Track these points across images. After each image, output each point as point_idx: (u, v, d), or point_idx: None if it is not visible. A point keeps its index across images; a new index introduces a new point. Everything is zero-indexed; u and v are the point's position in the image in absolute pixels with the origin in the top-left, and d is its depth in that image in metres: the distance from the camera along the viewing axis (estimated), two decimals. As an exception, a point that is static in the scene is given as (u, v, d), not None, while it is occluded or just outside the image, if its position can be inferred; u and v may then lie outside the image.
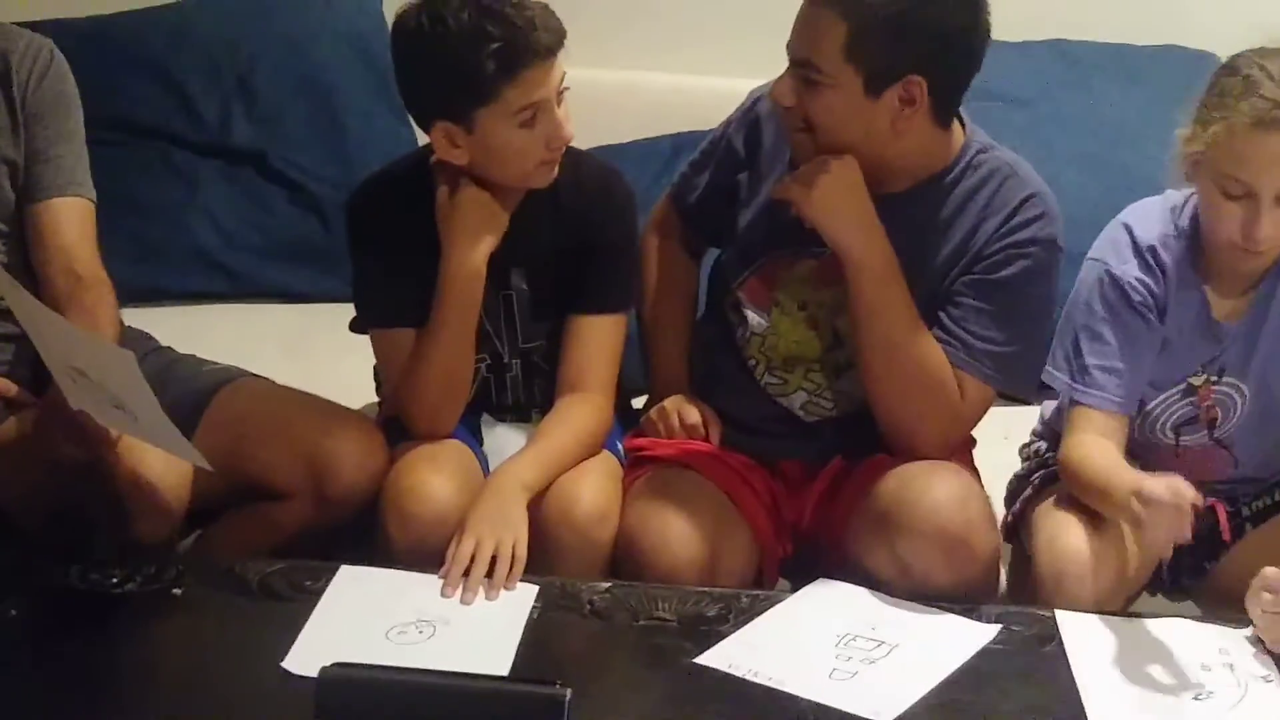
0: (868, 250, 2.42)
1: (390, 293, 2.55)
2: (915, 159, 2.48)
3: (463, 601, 2.28)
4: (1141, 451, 2.50)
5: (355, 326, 2.66)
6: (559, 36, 2.39)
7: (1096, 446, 2.41)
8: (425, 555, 2.35)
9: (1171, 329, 2.45)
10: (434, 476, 2.42)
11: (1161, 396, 2.50)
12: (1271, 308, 2.45)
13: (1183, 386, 2.49)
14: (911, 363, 2.45)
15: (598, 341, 2.57)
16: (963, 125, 2.52)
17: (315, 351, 2.70)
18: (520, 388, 2.63)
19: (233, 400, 2.55)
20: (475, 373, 2.58)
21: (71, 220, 2.56)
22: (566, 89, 2.44)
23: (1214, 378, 2.48)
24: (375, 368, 2.68)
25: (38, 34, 2.58)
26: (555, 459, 2.47)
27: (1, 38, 2.55)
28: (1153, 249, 2.44)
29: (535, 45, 2.36)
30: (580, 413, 2.54)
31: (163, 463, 2.34)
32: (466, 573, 2.30)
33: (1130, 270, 2.44)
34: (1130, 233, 2.46)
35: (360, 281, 2.61)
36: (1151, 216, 2.45)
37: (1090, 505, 2.38)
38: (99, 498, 2.28)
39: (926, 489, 2.38)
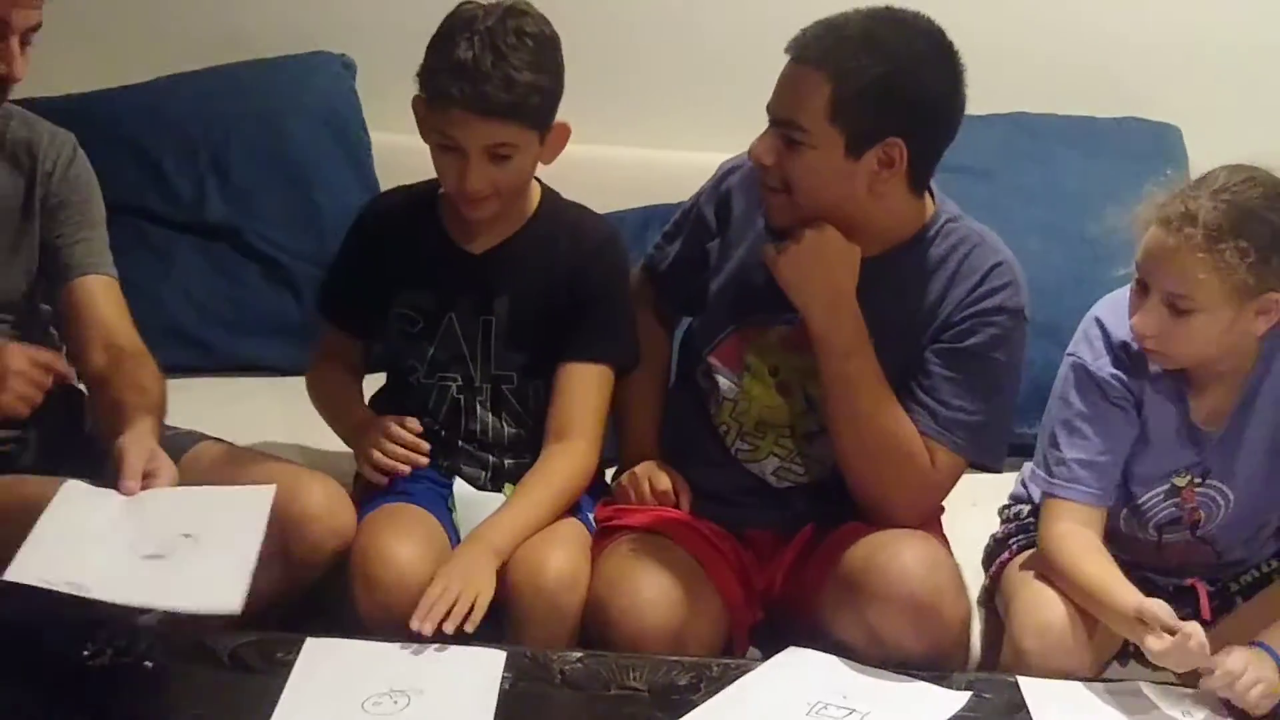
0: (835, 324, 2.44)
1: (346, 291, 2.69)
2: (887, 224, 2.50)
3: (424, 632, 2.29)
4: (1122, 541, 2.51)
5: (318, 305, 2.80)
6: (502, 106, 2.43)
7: (1081, 541, 2.42)
8: (391, 621, 2.36)
9: (1151, 427, 2.47)
10: (399, 542, 2.44)
11: (1146, 494, 2.51)
12: (1254, 413, 2.46)
13: (1166, 487, 2.50)
14: (880, 434, 2.47)
15: (584, 388, 2.61)
16: (932, 195, 2.55)
17: (289, 423, 2.71)
18: (489, 417, 2.65)
19: (196, 463, 2.54)
20: (445, 392, 2.64)
21: (107, 296, 2.60)
22: (507, 156, 2.48)
23: (1197, 480, 2.49)
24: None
25: (60, 128, 2.62)
26: (529, 523, 2.49)
27: (27, 128, 2.59)
28: (1125, 344, 2.45)
29: (465, 91, 2.42)
30: (561, 465, 2.58)
31: None
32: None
33: (1104, 365, 2.46)
34: (1103, 327, 2.48)
35: (332, 269, 2.76)
36: (1125, 310, 2.44)
37: (1075, 599, 2.38)
38: None
39: (896, 555, 2.39)
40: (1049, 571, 2.44)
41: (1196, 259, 2.27)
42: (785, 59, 2.44)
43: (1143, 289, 2.35)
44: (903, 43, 2.41)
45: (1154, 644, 2.23)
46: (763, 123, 2.48)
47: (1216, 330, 2.34)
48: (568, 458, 2.58)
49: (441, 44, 2.48)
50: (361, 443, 2.59)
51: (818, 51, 2.39)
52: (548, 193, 2.67)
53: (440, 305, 2.62)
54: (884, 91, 2.38)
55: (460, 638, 2.30)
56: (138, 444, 2.34)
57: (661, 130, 3.57)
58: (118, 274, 2.64)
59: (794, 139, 2.40)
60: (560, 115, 2.56)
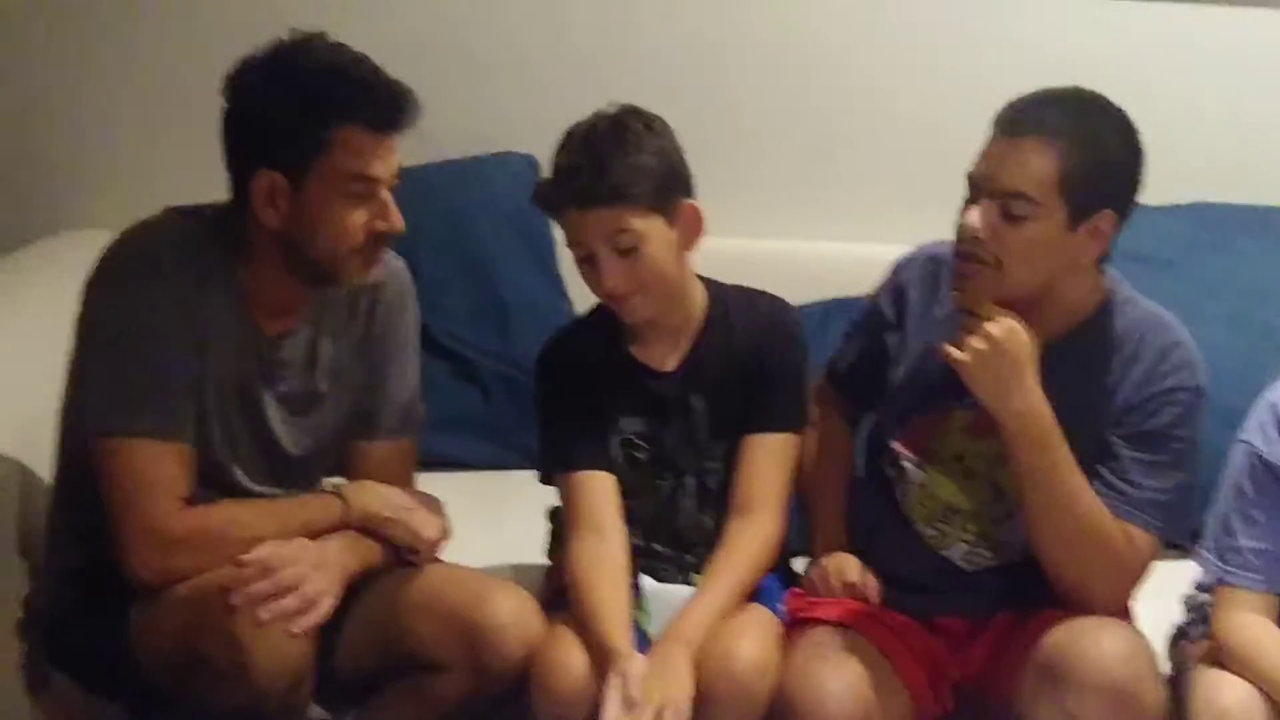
0: (1029, 420, 2.42)
1: (575, 436, 2.63)
2: (1073, 302, 2.51)
3: None
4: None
5: (543, 477, 2.71)
6: (601, 193, 2.47)
7: (1262, 630, 2.39)
8: None
9: None
10: (576, 654, 2.45)
11: None
12: None
13: None
14: (1078, 521, 2.45)
15: (767, 459, 2.61)
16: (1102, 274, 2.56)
17: (478, 519, 2.75)
18: (692, 511, 2.66)
19: (387, 573, 2.56)
20: (658, 491, 2.65)
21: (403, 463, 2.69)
22: (634, 246, 2.50)
23: None
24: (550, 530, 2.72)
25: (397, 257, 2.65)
26: (720, 609, 2.50)
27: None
28: None
29: (567, 191, 2.47)
30: (746, 543, 2.58)
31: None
32: None
33: (1278, 451, 2.44)
34: (1277, 412, 2.46)
35: (546, 428, 2.69)
36: None
37: (1262, 687, 2.35)
38: (221, 647, 2.27)
39: (1096, 642, 2.37)
40: (1226, 660, 2.40)
41: None
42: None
43: None
44: (1114, 117, 2.45)
45: None
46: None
47: None
48: (751, 535, 2.58)
49: (551, 162, 2.55)
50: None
51: (1045, 124, 2.40)
52: (710, 284, 2.69)
53: (656, 428, 2.65)
54: (1106, 163, 2.42)
55: None
56: None
57: (841, 224, 3.60)
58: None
59: (1015, 212, 2.40)
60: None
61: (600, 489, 2.62)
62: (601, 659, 2.44)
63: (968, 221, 2.44)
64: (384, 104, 2.40)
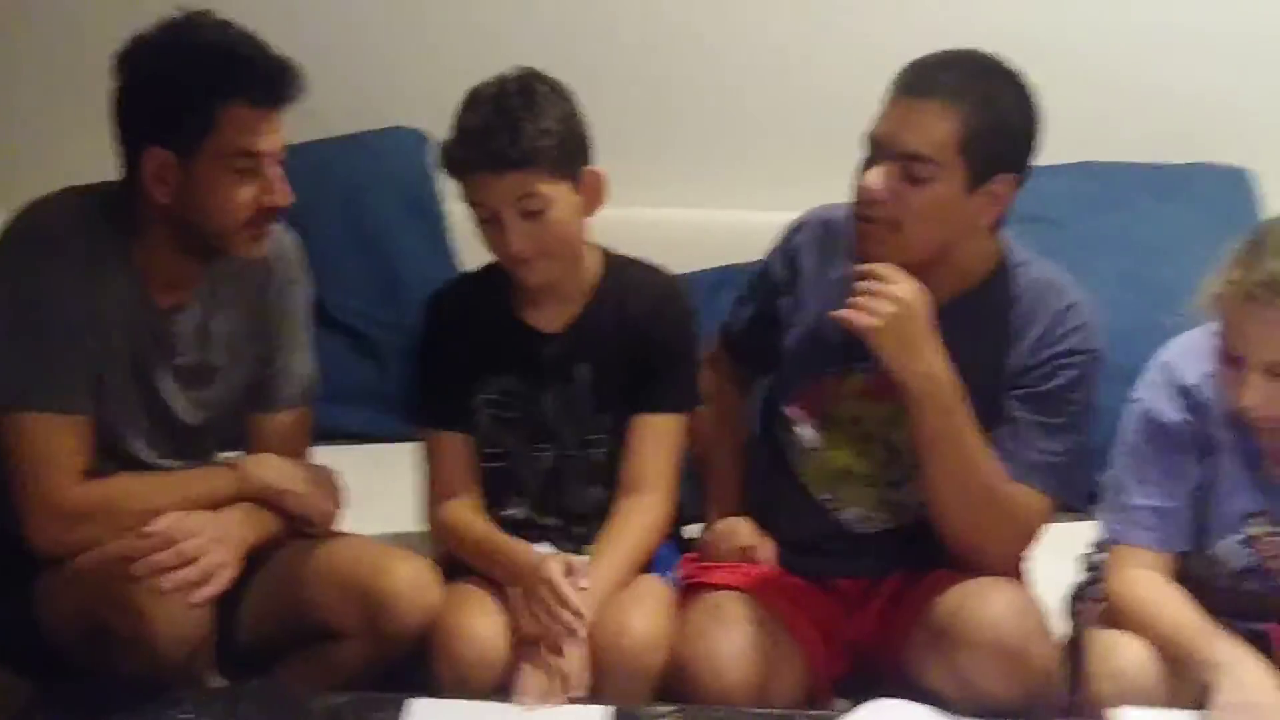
0: (934, 384, 2.43)
1: (441, 393, 2.66)
2: (969, 265, 2.53)
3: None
4: (1195, 587, 2.48)
5: (407, 417, 2.76)
6: (512, 157, 2.47)
7: (1154, 585, 2.42)
8: (470, 693, 2.40)
9: (1219, 472, 2.46)
10: (477, 619, 2.48)
11: (1221, 542, 2.49)
12: None
13: (1241, 536, 2.48)
14: (977, 484, 2.47)
15: (656, 440, 2.63)
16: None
17: (374, 491, 2.75)
18: (582, 483, 2.68)
19: (287, 544, 2.59)
20: (539, 465, 2.66)
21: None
22: (540, 210, 2.50)
23: (1271, 528, 2.47)
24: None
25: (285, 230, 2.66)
26: (611, 585, 2.51)
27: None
28: (1193, 389, 2.45)
29: (477, 152, 2.47)
30: (636, 521, 2.60)
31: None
32: None
33: (1170, 411, 2.46)
34: (1170, 373, 2.48)
35: (416, 375, 2.71)
36: (1194, 354, 2.45)
37: (1154, 644, 2.37)
38: (123, 616, 2.32)
39: (986, 602, 2.40)
40: (1119, 617, 2.44)
41: None
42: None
43: (1236, 363, 2.32)
44: (1014, 80, 2.46)
45: None
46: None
47: None
48: (641, 513, 2.61)
49: (453, 124, 2.54)
50: (523, 596, 2.50)
51: (946, 86, 2.41)
52: (606, 254, 2.69)
53: (531, 388, 2.66)
54: (1006, 126, 2.42)
55: None
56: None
57: (731, 191, 3.61)
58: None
59: (916, 174, 2.40)
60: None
61: (457, 453, 2.66)
62: (520, 577, 2.49)
63: (868, 183, 2.44)
64: (268, 80, 2.41)
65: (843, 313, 2.41)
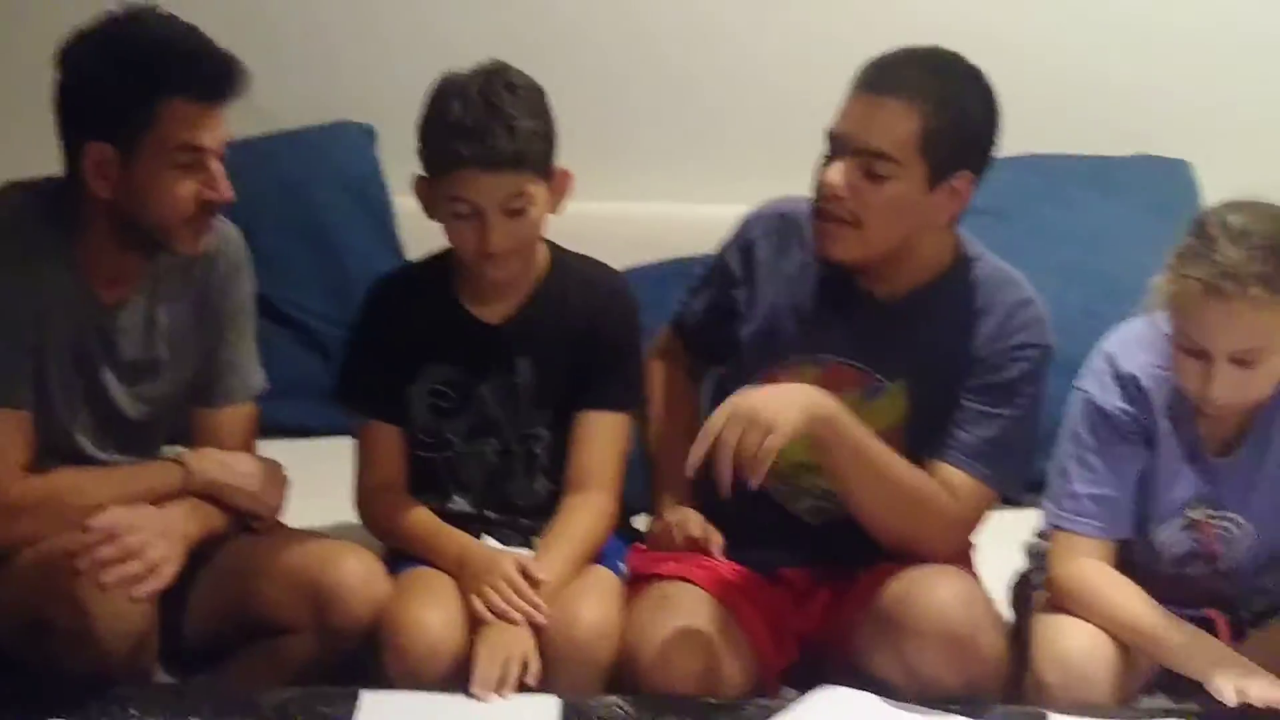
0: (837, 426, 2.42)
1: (376, 381, 2.66)
2: (926, 260, 2.55)
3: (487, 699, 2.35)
4: (1138, 574, 2.51)
5: (337, 400, 2.76)
6: (509, 157, 2.46)
7: (1098, 573, 2.44)
8: (420, 686, 2.40)
9: (1162, 459, 2.48)
10: (426, 611, 2.47)
11: (1163, 528, 2.52)
12: (1267, 444, 2.47)
13: (1182, 520, 2.51)
14: (896, 486, 2.49)
15: (602, 437, 2.64)
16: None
17: (320, 484, 2.75)
18: (524, 477, 2.68)
19: (233, 539, 2.59)
20: (481, 459, 2.66)
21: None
22: (522, 210, 2.50)
23: (1212, 512, 2.50)
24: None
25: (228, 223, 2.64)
26: (557, 579, 2.51)
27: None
28: (1135, 378, 2.47)
29: (472, 149, 2.44)
30: (583, 518, 2.60)
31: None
32: None
33: (1113, 399, 2.48)
34: (1112, 362, 2.50)
35: (352, 359, 2.72)
36: (1136, 344, 2.47)
37: (1112, 633, 2.41)
38: (65, 611, 2.31)
39: (931, 590, 2.41)
40: (1069, 604, 2.46)
41: (1261, 312, 2.28)
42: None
43: (1195, 355, 2.34)
44: (975, 78, 2.48)
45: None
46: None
47: (1278, 370, 2.36)
48: (588, 511, 2.61)
49: (435, 114, 2.51)
50: (472, 581, 2.51)
51: (908, 83, 2.42)
52: (554, 249, 2.69)
53: (470, 377, 2.65)
54: (966, 124, 2.45)
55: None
56: None
57: (677, 185, 3.63)
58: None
59: (877, 171, 2.42)
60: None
61: (390, 444, 2.66)
62: (465, 565, 2.51)
63: (828, 179, 2.46)
64: (211, 75, 2.40)
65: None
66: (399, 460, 2.67)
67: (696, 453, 2.32)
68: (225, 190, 2.45)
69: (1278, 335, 2.31)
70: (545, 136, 2.52)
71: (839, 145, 2.46)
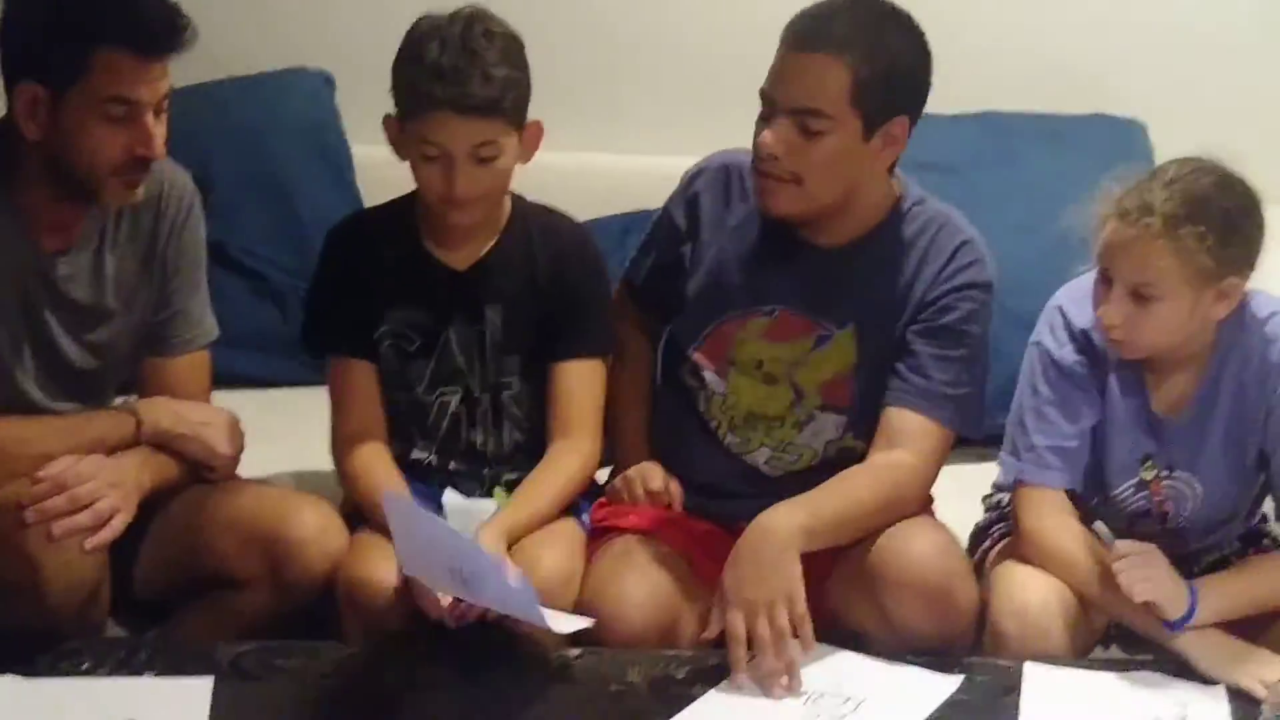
0: (785, 532, 2.39)
1: (343, 319, 2.63)
2: (869, 207, 2.56)
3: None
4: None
5: (305, 348, 2.74)
6: (483, 103, 2.44)
7: (1071, 536, 2.46)
8: (378, 638, 2.41)
9: (1113, 415, 2.51)
10: (384, 566, 2.44)
11: (1118, 487, 2.54)
12: (1214, 403, 2.49)
13: (1136, 480, 2.53)
14: (873, 516, 2.48)
15: (581, 385, 2.64)
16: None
17: (275, 437, 2.74)
18: (489, 426, 2.67)
19: (186, 490, 2.56)
20: (445, 408, 2.65)
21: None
22: (492, 158, 2.49)
23: (1164, 472, 2.52)
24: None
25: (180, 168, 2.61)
26: (537, 514, 2.53)
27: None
28: (1085, 332, 2.50)
29: (447, 91, 2.42)
30: (569, 461, 2.61)
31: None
32: None
33: (1067, 354, 2.51)
34: (1064, 315, 2.53)
35: (315, 300, 2.70)
36: (1086, 298, 2.49)
37: (1079, 588, 2.43)
38: (13, 563, 2.29)
39: (908, 541, 2.44)
40: (1037, 558, 2.47)
41: (1157, 246, 2.32)
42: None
43: (1106, 282, 2.39)
44: (900, 25, 2.48)
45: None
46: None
47: (1179, 316, 2.38)
48: (575, 454, 2.62)
49: (411, 55, 2.49)
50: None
51: (833, 37, 2.42)
52: (516, 199, 2.69)
53: (436, 321, 2.64)
54: (896, 71, 2.44)
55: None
56: None
57: (638, 136, 3.61)
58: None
59: (812, 127, 2.43)
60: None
61: (363, 385, 2.63)
62: None
63: (764, 141, 2.47)
64: (151, 28, 2.36)
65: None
66: (375, 404, 2.64)
67: (737, 670, 2.31)
68: (157, 147, 2.41)
69: (1172, 282, 2.34)
70: (521, 86, 2.51)
71: (771, 105, 2.47)
